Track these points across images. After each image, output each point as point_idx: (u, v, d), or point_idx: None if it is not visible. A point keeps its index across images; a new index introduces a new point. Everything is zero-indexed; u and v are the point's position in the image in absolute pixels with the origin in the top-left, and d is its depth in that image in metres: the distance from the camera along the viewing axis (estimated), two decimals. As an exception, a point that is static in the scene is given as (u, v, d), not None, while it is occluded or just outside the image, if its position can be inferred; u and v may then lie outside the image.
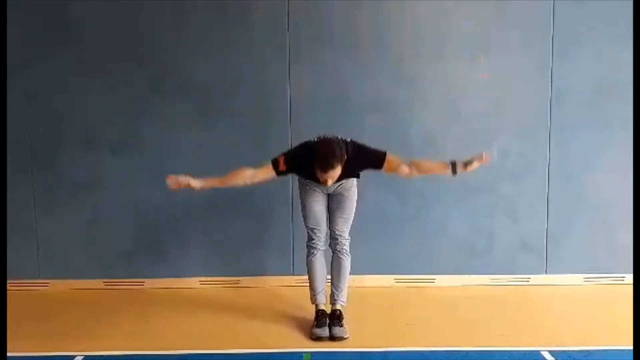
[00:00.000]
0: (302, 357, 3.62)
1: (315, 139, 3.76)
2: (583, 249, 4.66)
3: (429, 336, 3.88)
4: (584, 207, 4.64)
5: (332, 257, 4.00)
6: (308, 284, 4.03)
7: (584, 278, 4.67)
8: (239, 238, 4.67)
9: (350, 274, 4.01)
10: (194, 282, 4.69)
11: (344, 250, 3.97)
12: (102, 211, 4.63)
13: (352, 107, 4.52)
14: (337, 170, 3.60)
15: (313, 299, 4.01)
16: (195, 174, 4.53)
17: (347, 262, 3.98)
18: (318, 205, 3.91)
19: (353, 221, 3.94)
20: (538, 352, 3.65)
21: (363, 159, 3.74)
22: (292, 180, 4.36)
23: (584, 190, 4.62)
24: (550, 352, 3.64)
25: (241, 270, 4.70)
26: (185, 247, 4.68)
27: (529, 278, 4.67)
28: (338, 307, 3.98)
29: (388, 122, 4.52)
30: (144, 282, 4.68)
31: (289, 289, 4.59)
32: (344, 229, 3.93)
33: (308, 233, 3.97)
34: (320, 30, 4.45)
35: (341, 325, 3.89)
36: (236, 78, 4.50)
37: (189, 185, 3.70)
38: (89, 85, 4.51)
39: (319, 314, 3.97)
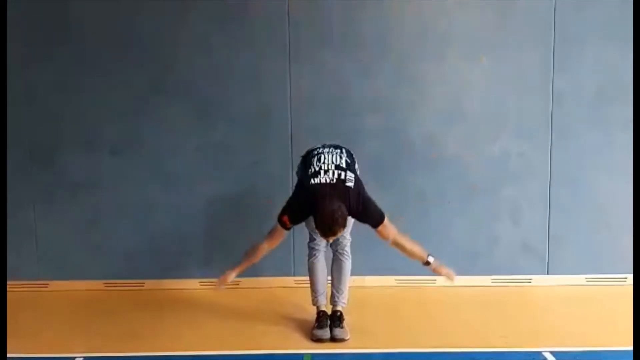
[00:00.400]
0: (302, 358, 3.62)
1: (320, 148, 3.76)
2: (585, 250, 4.64)
3: (430, 337, 3.87)
4: (586, 208, 4.62)
5: (333, 258, 3.99)
6: (309, 285, 4.01)
7: (586, 279, 4.65)
8: (239, 239, 4.63)
9: (351, 274, 4.00)
10: (194, 283, 4.67)
11: (345, 252, 3.95)
12: (102, 212, 4.63)
13: (353, 107, 4.51)
14: (340, 233, 3.56)
15: (314, 300, 4.00)
16: (195, 174, 4.57)
17: (347, 263, 3.97)
18: None
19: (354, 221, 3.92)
20: (540, 353, 3.64)
21: (363, 214, 3.63)
22: (291, 180, 4.35)
23: (586, 192, 4.61)
24: (552, 352, 3.62)
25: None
26: (185, 248, 4.67)
27: (530, 279, 4.66)
28: (339, 308, 3.96)
29: (389, 122, 4.51)
30: (144, 283, 4.67)
31: (289, 290, 4.58)
32: (346, 230, 3.88)
33: (309, 233, 3.95)
34: (321, 30, 4.44)
35: (342, 327, 3.87)
36: (236, 78, 4.49)
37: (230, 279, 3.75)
38: (88, 85, 4.50)
39: (320, 315, 3.95)
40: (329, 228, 3.47)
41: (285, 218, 3.63)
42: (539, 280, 4.66)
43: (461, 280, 4.62)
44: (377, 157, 4.48)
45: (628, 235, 4.29)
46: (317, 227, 3.55)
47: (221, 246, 4.67)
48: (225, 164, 4.57)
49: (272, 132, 4.52)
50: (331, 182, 3.59)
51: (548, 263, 4.66)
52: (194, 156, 4.55)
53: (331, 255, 3.99)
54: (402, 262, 4.62)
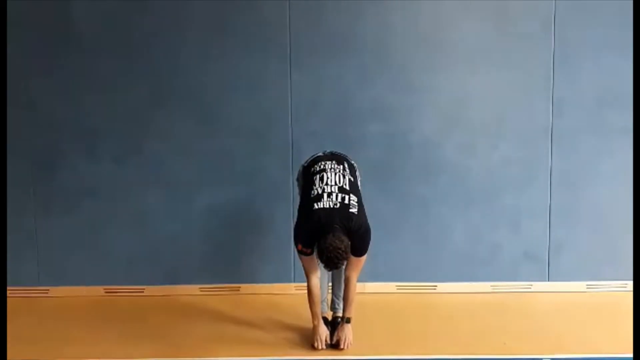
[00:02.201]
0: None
1: (322, 163, 3.79)
2: (585, 256, 4.64)
3: (431, 344, 3.87)
4: (586, 215, 4.62)
5: None
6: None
7: (586, 285, 4.65)
8: (239, 245, 4.66)
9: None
10: (194, 289, 4.67)
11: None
12: (102, 218, 4.62)
13: (353, 114, 4.51)
14: (342, 266, 3.61)
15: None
16: (196, 181, 4.57)
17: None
18: None
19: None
20: (540, 359, 3.63)
21: (359, 242, 3.65)
22: (292, 186, 4.36)
23: (586, 199, 4.60)
24: (552, 359, 3.62)
25: (242, 277, 4.68)
26: (186, 254, 4.66)
27: (531, 285, 4.65)
28: (340, 314, 3.96)
29: (389, 128, 4.52)
30: (144, 289, 4.67)
31: (289, 296, 4.57)
32: None
33: None
34: (321, 37, 4.44)
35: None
36: (237, 85, 4.50)
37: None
38: (89, 94, 4.51)
39: (329, 322, 3.96)
40: (334, 264, 3.51)
41: (300, 246, 3.66)
42: (539, 286, 4.65)
43: (461, 287, 4.65)
44: (377, 163, 4.49)
45: (628, 242, 4.29)
46: (320, 259, 3.55)
47: (221, 252, 4.67)
48: (225, 171, 4.57)
49: (272, 139, 4.53)
50: (335, 206, 3.60)
51: (548, 269, 4.66)
52: (194, 164, 4.55)
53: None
54: (403, 269, 4.66)
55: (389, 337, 3.95)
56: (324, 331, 3.82)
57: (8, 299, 4.30)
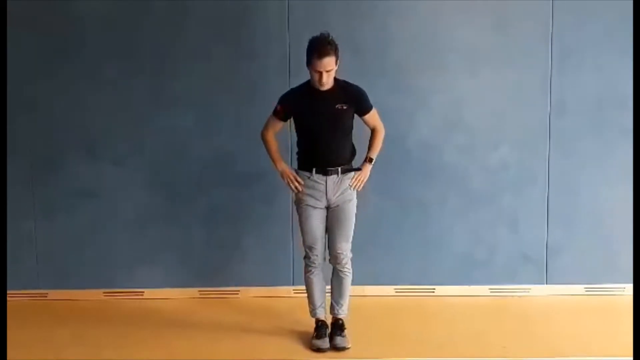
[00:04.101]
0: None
1: None
2: (583, 259, 4.64)
3: (429, 347, 3.87)
4: (585, 217, 4.63)
5: (333, 273, 3.94)
6: (307, 298, 4.01)
7: (585, 289, 4.65)
8: (238, 248, 4.66)
9: (351, 284, 3.98)
10: (193, 292, 4.67)
11: (346, 269, 3.89)
12: (102, 221, 4.63)
13: (352, 116, 4.52)
14: (332, 61, 3.64)
15: (312, 312, 3.99)
16: (195, 184, 4.58)
17: (348, 279, 3.92)
18: (315, 221, 3.82)
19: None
20: (538, 363, 3.65)
21: (355, 90, 3.84)
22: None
23: (585, 201, 4.61)
24: (551, 362, 3.64)
25: (241, 280, 4.68)
26: (186, 257, 4.67)
27: (529, 288, 4.66)
28: (340, 317, 3.95)
29: (388, 131, 4.49)
30: (143, 292, 4.67)
31: (288, 299, 4.58)
32: (346, 248, 3.85)
33: (305, 250, 3.90)
34: (321, 40, 4.45)
35: (343, 335, 3.87)
36: (237, 88, 4.50)
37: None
38: (89, 95, 4.52)
39: (319, 325, 3.95)
40: (322, 45, 3.63)
41: (280, 107, 3.87)
42: (538, 290, 4.66)
43: (459, 290, 4.66)
44: (376, 165, 4.48)
45: (627, 245, 4.30)
46: (313, 57, 3.65)
47: (220, 255, 4.67)
48: (225, 174, 4.58)
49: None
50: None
51: (547, 273, 4.67)
52: (194, 166, 4.56)
53: (330, 268, 3.96)
54: (402, 271, 4.66)
55: (388, 340, 3.95)
56: (288, 169, 3.92)
57: (8, 302, 4.30)
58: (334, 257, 3.87)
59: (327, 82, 3.70)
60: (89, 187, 4.60)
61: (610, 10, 4.44)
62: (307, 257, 3.90)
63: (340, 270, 3.89)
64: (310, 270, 3.92)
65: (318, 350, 3.82)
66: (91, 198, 4.60)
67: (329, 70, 3.67)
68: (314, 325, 3.97)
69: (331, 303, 3.99)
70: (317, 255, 3.86)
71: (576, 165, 4.58)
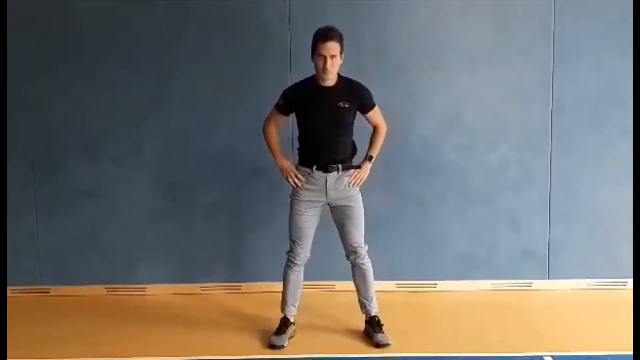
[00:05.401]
0: (303, 363, 3.64)
1: None
2: (585, 255, 4.65)
3: (431, 342, 3.88)
4: (586, 214, 4.63)
5: (353, 269, 3.91)
6: (281, 292, 3.98)
7: (586, 283, 4.66)
8: (239, 244, 4.67)
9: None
10: (195, 288, 4.68)
11: (366, 261, 3.87)
12: (104, 218, 4.63)
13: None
14: (336, 46, 3.62)
15: (282, 308, 3.96)
16: (196, 182, 4.58)
17: (370, 271, 3.89)
18: (304, 217, 3.80)
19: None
20: (540, 357, 3.65)
21: (358, 87, 3.80)
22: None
23: (585, 198, 4.61)
24: (553, 357, 3.64)
25: (243, 275, 4.69)
26: (187, 253, 4.68)
27: (531, 283, 4.66)
28: (374, 313, 3.91)
29: (388, 129, 4.50)
30: (145, 288, 4.68)
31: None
32: (360, 239, 3.84)
33: (290, 244, 3.89)
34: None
35: (383, 332, 3.84)
36: (237, 87, 4.50)
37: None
38: (90, 95, 4.51)
39: (283, 321, 3.93)
40: (327, 31, 3.63)
41: (282, 102, 3.83)
42: (540, 284, 4.66)
43: (461, 285, 4.66)
44: (376, 163, 4.48)
45: (628, 240, 4.30)
46: (318, 43, 3.63)
47: (222, 252, 4.69)
48: (225, 172, 4.58)
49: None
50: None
51: (548, 267, 4.67)
52: (194, 164, 4.56)
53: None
54: (403, 267, 4.66)
55: (389, 335, 3.95)
56: (288, 165, 3.86)
57: (9, 299, 4.32)
58: (352, 252, 3.85)
59: (331, 70, 3.63)
60: (90, 187, 4.60)
61: (610, 10, 4.43)
62: (290, 250, 3.88)
63: (362, 264, 3.86)
64: (290, 266, 3.89)
65: (272, 347, 3.79)
66: (92, 197, 4.60)
67: (333, 56, 3.61)
68: (278, 321, 3.95)
69: (360, 301, 3.94)
70: (300, 251, 3.83)
71: (577, 164, 4.58)
